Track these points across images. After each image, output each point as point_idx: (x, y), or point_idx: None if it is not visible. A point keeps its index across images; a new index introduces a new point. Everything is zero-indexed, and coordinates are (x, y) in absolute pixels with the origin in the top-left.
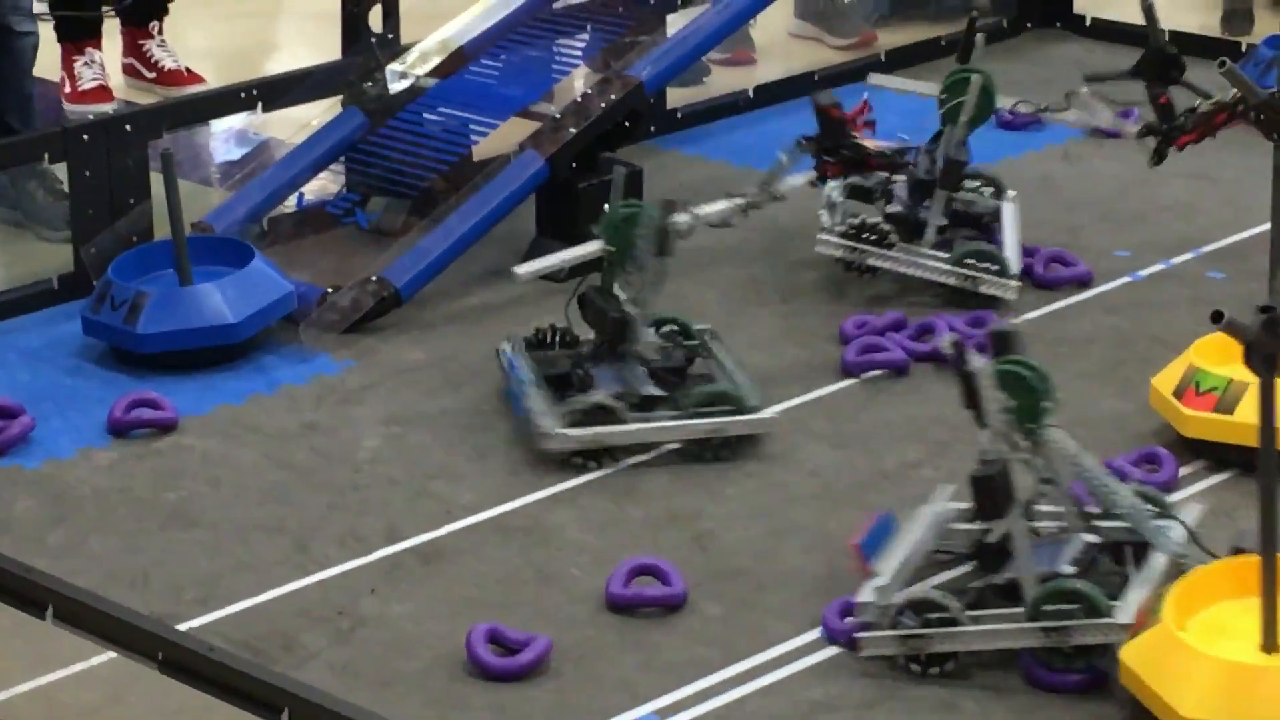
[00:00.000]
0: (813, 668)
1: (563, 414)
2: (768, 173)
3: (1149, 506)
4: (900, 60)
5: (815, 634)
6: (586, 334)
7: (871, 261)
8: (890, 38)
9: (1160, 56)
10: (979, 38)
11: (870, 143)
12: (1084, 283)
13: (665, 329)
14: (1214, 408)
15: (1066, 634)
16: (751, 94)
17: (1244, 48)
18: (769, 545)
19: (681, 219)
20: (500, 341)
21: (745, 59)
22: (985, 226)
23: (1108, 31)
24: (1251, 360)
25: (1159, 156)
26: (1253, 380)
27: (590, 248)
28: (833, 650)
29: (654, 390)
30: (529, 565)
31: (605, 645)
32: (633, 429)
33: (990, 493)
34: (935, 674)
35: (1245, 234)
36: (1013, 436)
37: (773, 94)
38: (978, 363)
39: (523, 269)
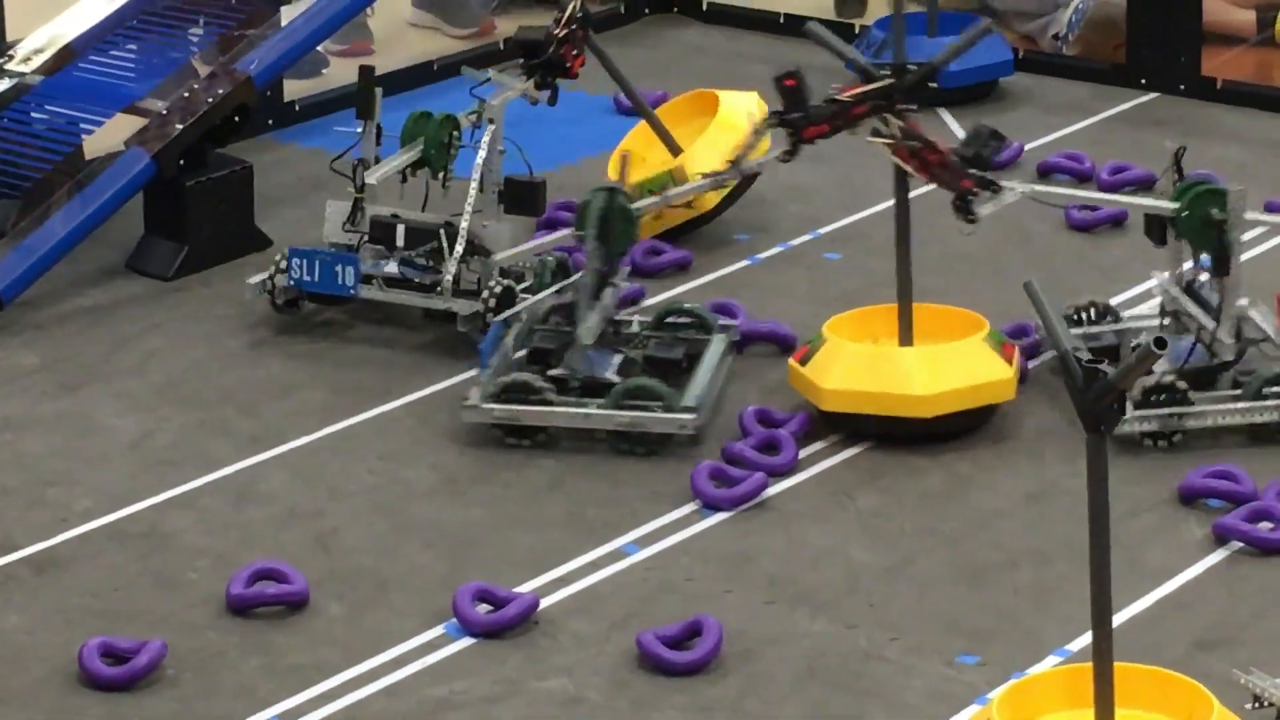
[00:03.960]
0: (437, 665)
1: (488, 389)
2: (737, 148)
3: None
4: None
5: (439, 630)
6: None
7: None
8: (509, 26)
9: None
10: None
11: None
12: (684, 267)
13: (671, 319)
14: (801, 359)
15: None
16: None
17: (857, 29)
18: (390, 543)
19: (645, 202)
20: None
21: (363, 49)
22: None
23: (725, 15)
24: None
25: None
26: (834, 337)
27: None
28: (456, 646)
29: (607, 377)
30: (147, 571)
31: (226, 649)
32: (552, 411)
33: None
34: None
35: (861, 215)
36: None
37: (393, 84)
38: None
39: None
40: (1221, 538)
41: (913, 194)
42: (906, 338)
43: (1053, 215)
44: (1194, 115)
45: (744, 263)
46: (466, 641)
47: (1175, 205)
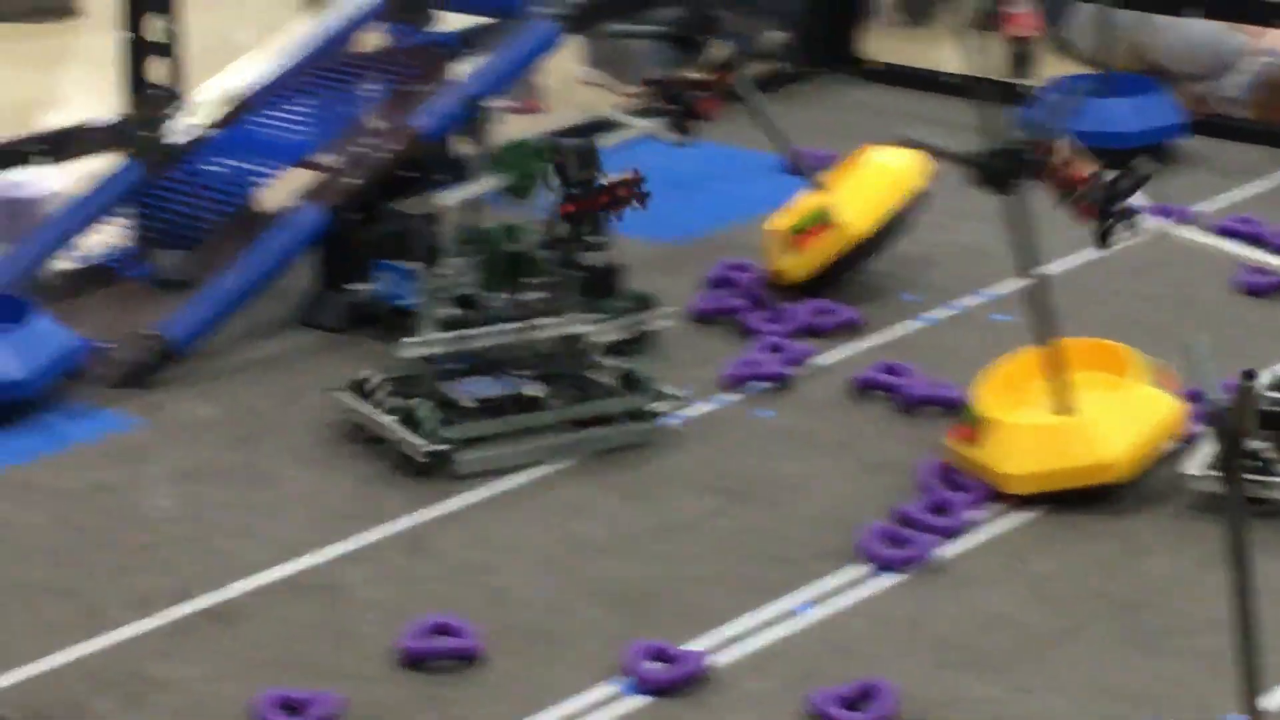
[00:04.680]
0: None
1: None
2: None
3: None
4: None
5: (611, 687)
6: None
7: None
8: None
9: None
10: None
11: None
12: (853, 326)
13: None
14: (966, 439)
15: None
16: None
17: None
18: (562, 598)
19: None
20: None
21: (534, 107)
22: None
23: (888, 75)
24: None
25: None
26: (999, 416)
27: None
28: (628, 703)
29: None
30: (322, 623)
31: (400, 702)
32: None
33: None
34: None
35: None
36: None
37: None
38: None
39: None
40: None
41: (1080, 261)
42: (1064, 407)
43: (1222, 279)
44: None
45: (913, 323)
46: (639, 699)
47: None
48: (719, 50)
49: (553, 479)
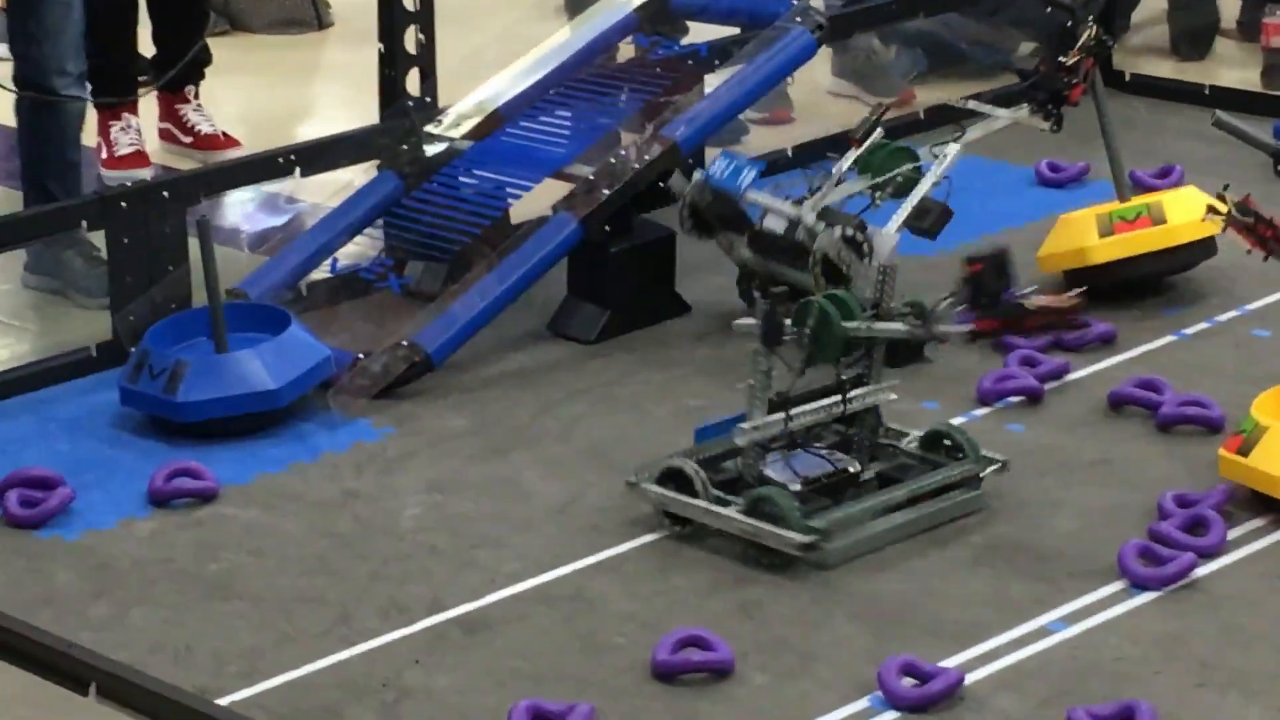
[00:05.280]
0: None
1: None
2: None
3: None
4: (939, 118)
5: (864, 703)
6: None
7: None
8: (928, 95)
9: None
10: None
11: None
12: (1108, 341)
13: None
14: (1237, 449)
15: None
16: (790, 153)
17: None
18: (815, 613)
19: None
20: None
21: (783, 118)
22: None
23: (1149, 87)
24: None
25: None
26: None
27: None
28: (883, 719)
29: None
30: (574, 634)
31: (651, 715)
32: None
33: None
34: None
35: None
36: None
37: (812, 153)
38: None
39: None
40: None
41: None
42: None
43: None
44: None
45: (1169, 338)
46: (891, 715)
47: None
48: (1086, 33)
49: None
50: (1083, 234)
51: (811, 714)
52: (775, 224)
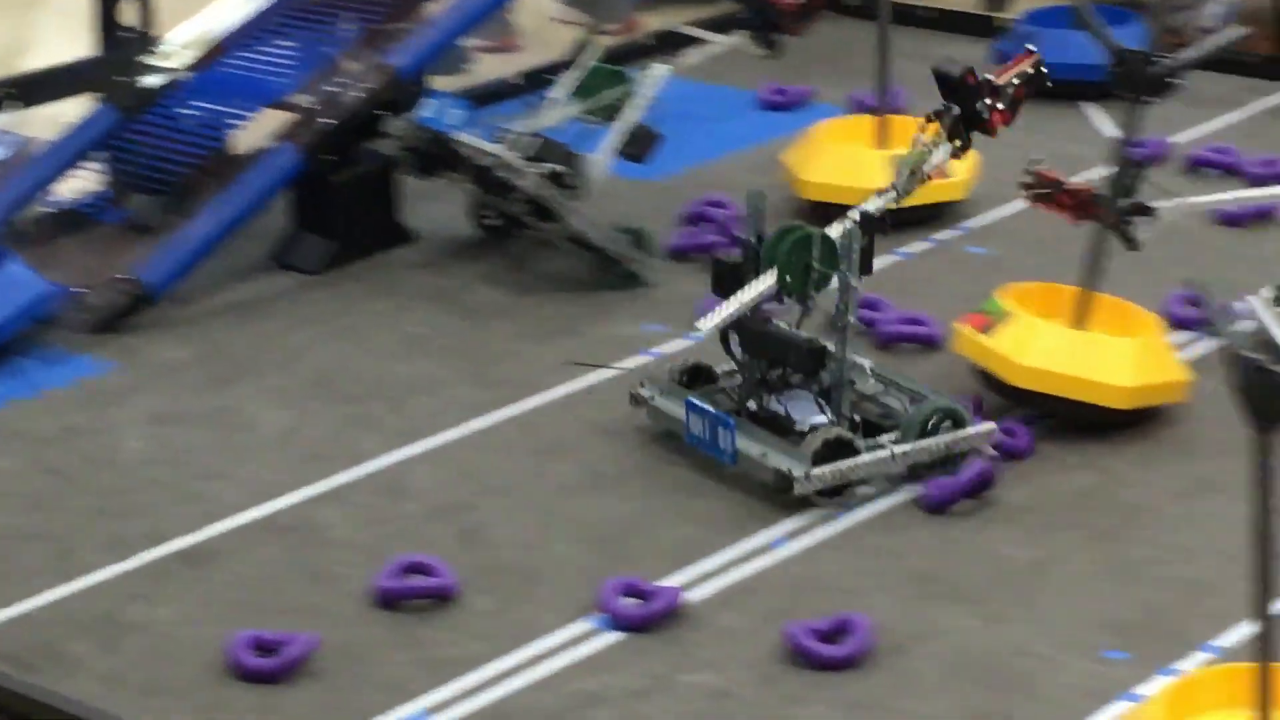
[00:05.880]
0: (584, 659)
1: (803, 454)
2: (908, 158)
3: None
4: (670, 44)
5: (586, 624)
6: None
7: None
8: (655, 20)
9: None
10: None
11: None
12: None
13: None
14: (981, 328)
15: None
16: (521, 81)
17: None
18: (538, 537)
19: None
20: (636, 385)
21: (510, 45)
22: None
23: (868, 11)
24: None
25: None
26: (1026, 313)
27: (766, 282)
28: (604, 640)
29: (876, 416)
30: (297, 564)
31: (375, 642)
32: (872, 459)
33: None
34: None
35: (1008, 210)
36: None
37: (540, 80)
38: None
39: (704, 323)
40: None
41: None
42: (1081, 324)
43: (1201, 211)
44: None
45: (892, 257)
46: (614, 635)
47: None
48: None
49: (528, 414)
50: (873, 173)
51: (535, 636)
52: (487, 161)
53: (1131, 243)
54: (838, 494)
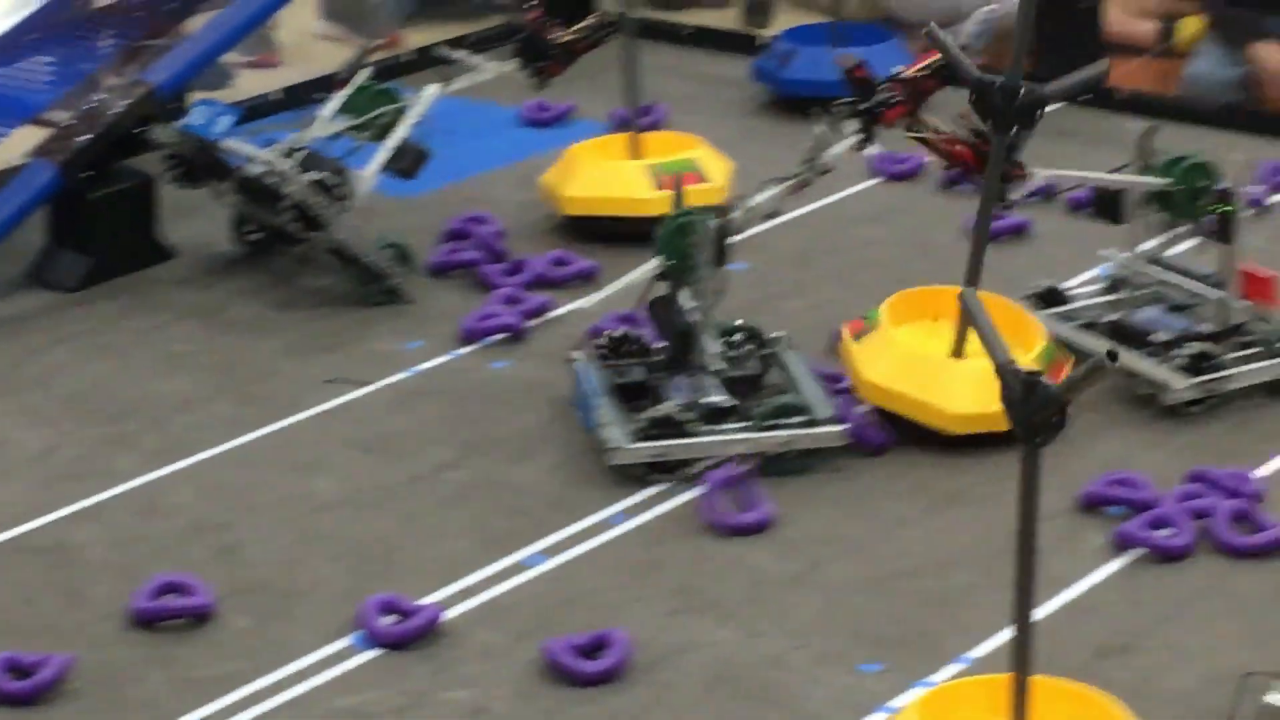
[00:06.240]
0: (343, 676)
1: (631, 428)
2: (810, 148)
3: None
4: (428, 61)
5: (345, 642)
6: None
7: None
8: (418, 36)
9: None
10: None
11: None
12: (589, 276)
13: (736, 336)
14: (856, 334)
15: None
16: (282, 96)
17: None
18: (296, 555)
19: (734, 215)
20: (571, 351)
21: (270, 61)
22: None
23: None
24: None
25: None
26: (889, 324)
27: (649, 266)
28: (363, 658)
29: (723, 401)
30: (52, 585)
31: (132, 662)
32: (700, 442)
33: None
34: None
35: (764, 226)
36: None
37: (301, 95)
38: None
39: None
40: (1123, 545)
41: (815, 206)
42: (960, 349)
43: (954, 226)
44: (1096, 124)
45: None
46: (373, 653)
47: (1167, 180)
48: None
49: (288, 432)
50: (630, 184)
51: (294, 654)
52: (256, 170)
53: (1006, 202)
54: (668, 471)
